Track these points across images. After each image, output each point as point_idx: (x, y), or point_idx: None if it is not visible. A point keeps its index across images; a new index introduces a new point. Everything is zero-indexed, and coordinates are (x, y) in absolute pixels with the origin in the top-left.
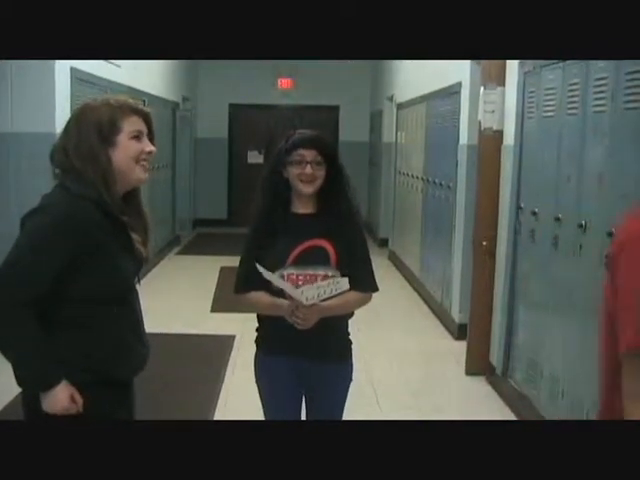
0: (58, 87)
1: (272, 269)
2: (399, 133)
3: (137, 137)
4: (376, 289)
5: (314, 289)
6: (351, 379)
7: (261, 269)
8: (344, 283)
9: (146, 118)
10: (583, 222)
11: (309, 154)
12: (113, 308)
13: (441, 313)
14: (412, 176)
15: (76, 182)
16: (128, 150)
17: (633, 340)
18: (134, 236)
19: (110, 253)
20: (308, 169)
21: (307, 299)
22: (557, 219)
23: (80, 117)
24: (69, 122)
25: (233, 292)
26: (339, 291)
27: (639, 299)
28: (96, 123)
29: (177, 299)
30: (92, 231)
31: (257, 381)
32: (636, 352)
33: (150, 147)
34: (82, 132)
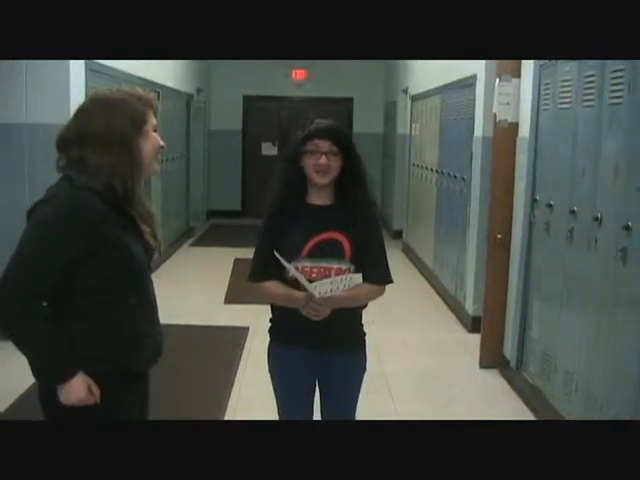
0: (73, 78)
1: (286, 261)
2: (413, 125)
3: (155, 131)
4: (390, 281)
5: (327, 284)
6: (365, 370)
7: (281, 259)
8: (358, 278)
9: (156, 113)
10: (598, 215)
11: (324, 144)
12: (128, 297)
13: (455, 306)
14: (426, 168)
15: (80, 173)
16: (154, 142)
17: None
18: (143, 227)
19: (120, 243)
20: (323, 159)
21: (320, 293)
22: (572, 212)
23: (110, 106)
24: (89, 110)
25: (247, 280)
26: (352, 286)
27: None
28: (130, 114)
29: (191, 290)
30: (97, 222)
31: (270, 371)
32: None
33: (162, 142)
34: (114, 121)
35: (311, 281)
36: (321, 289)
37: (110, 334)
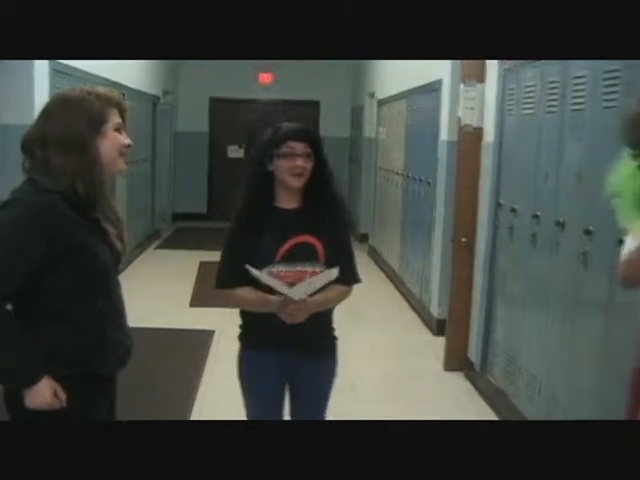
0: (37, 79)
1: (259, 266)
2: (380, 129)
3: (118, 130)
4: (359, 280)
5: (305, 285)
6: (335, 374)
7: (251, 269)
8: (334, 272)
9: (123, 112)
10: (561, 219)
11: (300, 146)
12: (95, 300)
13: (420, 308)
14: (392, 172)
15: (45, 175)
16: (114, 141)
17: None
18: (109, 229)
19: (85, 246)
20: (299, 162)
21: (297, 295)
22: (535, 216)
23: (67, 107)
24: (49, 111)
25: (215, 287)
26: (329, 281)
27: None
28: (87, 113)
29: (156, 293)
30: (61, 225)
31: (240, 377)
32: None
33: (129, 140)
34: (70, 122)
35: (289, 285)
36: (300, 291)
37: (76, 337)
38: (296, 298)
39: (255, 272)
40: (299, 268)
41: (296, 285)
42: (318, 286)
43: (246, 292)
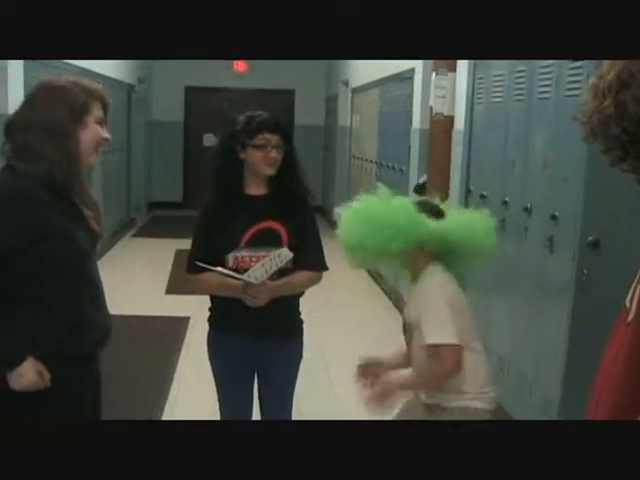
0: (10, 68)
1: (225, 251)
2: (354, 117)
3: (100, 123)
4: (326, 268)
5: (260, 268)
6: (302, 356)
7: (204, 265)
8: (286, 253)
9: (106, 107)
10: (528, 205)
11: (274, 138)
12: (71, 282)
13: (392, 293)
14: (366, 160)
15: (24, 161)
16: (94, 133)
17: None
18: (86, 212)
19: (62, 229)
20: (274, 153)
21: (256, 279)
22: (504, 202)
23: (52, 94)
24: (34, 97)
25: (185, 272)
26: (284, 262)
27: None
28: (70, 102)
29: (132, 281)
30: (36, 211)
31: (210, 359)
32: None
33: (108, 135)
34: (54, 109)
35: (246, 270)
36: (256, 274)
37: (54, 318)
38: (255, 281)
39: (209, 267)
40: (262, 253)
41: (250, 270)
42: (274, 267)
43: (210, 277)
